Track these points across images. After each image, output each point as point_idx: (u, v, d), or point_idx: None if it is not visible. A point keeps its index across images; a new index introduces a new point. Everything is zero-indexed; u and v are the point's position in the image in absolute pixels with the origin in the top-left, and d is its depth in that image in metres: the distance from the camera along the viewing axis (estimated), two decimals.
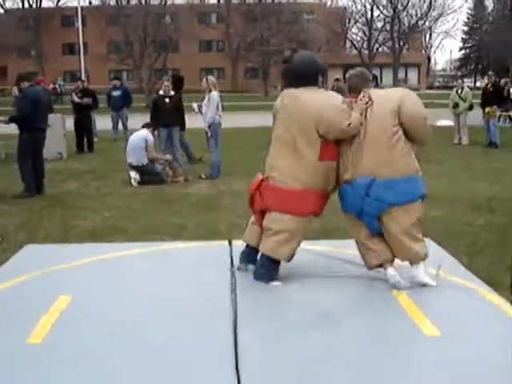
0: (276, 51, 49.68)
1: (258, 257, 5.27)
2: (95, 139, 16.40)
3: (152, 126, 11.03)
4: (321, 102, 5.00)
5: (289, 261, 5.18)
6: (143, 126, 10.94)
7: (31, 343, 4.02)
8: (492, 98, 16.01)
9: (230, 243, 6.26)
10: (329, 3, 57.42)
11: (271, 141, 5.30)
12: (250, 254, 5.41)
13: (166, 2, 53.86)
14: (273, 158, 5.22)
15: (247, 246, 5.46)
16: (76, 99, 15.63)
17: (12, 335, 4.15)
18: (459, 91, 16.62)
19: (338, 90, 13.54)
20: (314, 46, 51.26)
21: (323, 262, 5.68)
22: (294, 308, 4.64)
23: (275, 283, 5.12)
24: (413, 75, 64.90)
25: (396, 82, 19.56)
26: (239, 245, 5.83)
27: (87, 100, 15.61)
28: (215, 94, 10.76)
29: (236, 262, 5.61)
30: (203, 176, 10.96)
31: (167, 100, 11.54)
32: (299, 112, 5.02)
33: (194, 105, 11.30)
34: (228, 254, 5.93)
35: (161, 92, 11.79)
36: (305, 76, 5.11)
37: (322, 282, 5.19)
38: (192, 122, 13.37)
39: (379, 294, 4.91)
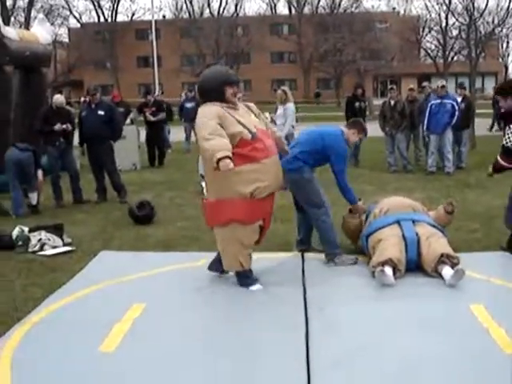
0: (349, 61, 49.35)
1: None
2: (169, 150, 16.58)
3: None
4: (197, 116, 5.04)
5: (244, 268, 5.29)
6: None
7: (104, 352, 4.05)
8: None
9: (302, 255, 6.19)
10: (402, 12, 56.67)
11: None
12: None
13: (237, 15, 54.49)
14: None
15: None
16: (151, 118, 15.25)
17: (85, 343, 4.19)
18: None
19: (412, 100, 13.33)
20: (387, 55, 50.70)
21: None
22: (368, 321, 4.52)
23: (254, 287, 5.29)
24: (490, 84, 63.16)
25: (473, 91, 19.08)
26: (311, 257, 5.75)
27: (161, 116, 15.44)
28: (291, 105, 10.75)
29: (307, 273, 5.57)
30: None
31: None
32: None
33: (267, 114, 11.31)
34: (300, 265, 5.86)
35: None
36: (205, 91, 5.17)
37: (391, 295, 5.06)
38: None
39: (455, 307, 4.75)
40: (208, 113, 4.96)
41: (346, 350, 4.00)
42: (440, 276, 5.30)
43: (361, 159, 13.55)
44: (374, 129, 16.46)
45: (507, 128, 5.93)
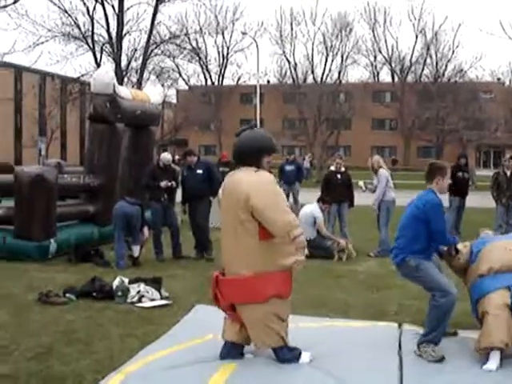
0: (451, 130, 48.67)
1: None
2: None
3: (326, 201, 10.96)
4: (252, 183, 4.78)
5: (286, 343, 4.93)
6: (318, 200, 10.93)
7: None
8: None
9: (399, 326, 6.03)
10: (507, 83, 55.58)
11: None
12: (230, 349, 5.08)
13: (340, 82, 55.15)
14: (223, 249, 5.06)
15: (226, 342, 5.12)
16: None
17: None
18: None
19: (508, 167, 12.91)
20: (491, 125, 49.67)
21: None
22: None
23: (304, 359, 4.97)
24: None
25: None
26: (409, 329, 5.59)
27: None
28: (383, 171, 10.80)
29: (404, 346, 5.40)
30: (371, 254, 10.78)
31: (338, 176, 11.65)
32: (233, 195, 4.82)
33: (361, 183, 11.40)
34: (396, 337, 5.69)
35: (332, 168, 11.98)
36: (243, 155, 4.96)
37: (493, 378, 4.81)
38: (360, 198, 13.27)
39: None
40: (273, 181, 4.94)
41: None
42: None
43: (462, 231, 13.17)
44: (476, 199, 16.03)
45: None
